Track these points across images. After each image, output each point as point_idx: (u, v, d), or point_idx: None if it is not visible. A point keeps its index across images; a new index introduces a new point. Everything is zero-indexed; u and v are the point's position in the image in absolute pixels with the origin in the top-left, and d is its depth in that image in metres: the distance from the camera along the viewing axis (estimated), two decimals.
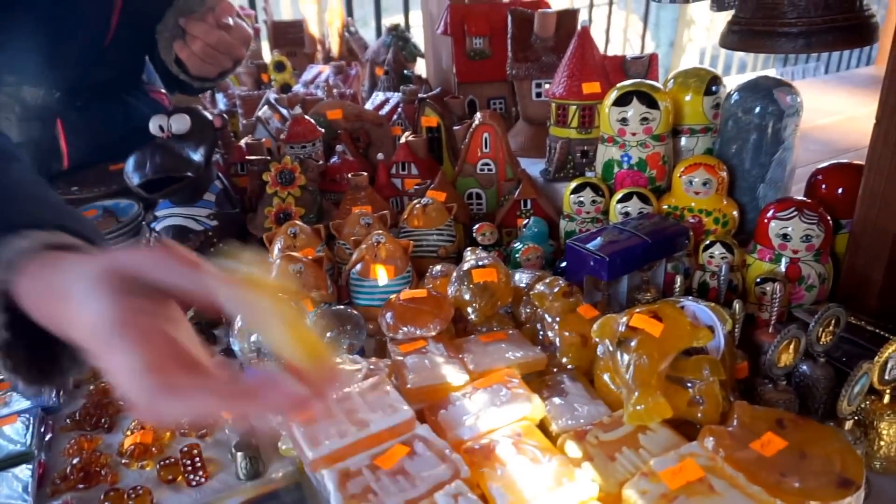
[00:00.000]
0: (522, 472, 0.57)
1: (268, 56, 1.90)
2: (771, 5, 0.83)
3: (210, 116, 1.05)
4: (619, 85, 0.97)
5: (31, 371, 0.45)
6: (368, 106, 1.41)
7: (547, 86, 1.22)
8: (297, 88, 1.65)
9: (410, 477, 0.56)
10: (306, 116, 1.18)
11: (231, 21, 1.02)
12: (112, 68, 1.16)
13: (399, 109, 1.33)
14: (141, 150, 0.99)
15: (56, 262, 0.40)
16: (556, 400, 0.68)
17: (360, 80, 1.66)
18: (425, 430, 0.61)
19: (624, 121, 0.95)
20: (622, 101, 0.95)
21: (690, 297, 0.70)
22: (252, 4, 2.25)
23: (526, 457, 0.59)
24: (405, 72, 1.56)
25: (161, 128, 1.02)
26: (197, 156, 1.01)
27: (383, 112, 1.36)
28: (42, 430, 0.73)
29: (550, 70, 1.21)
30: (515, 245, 0.96)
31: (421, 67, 1.67)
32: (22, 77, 1.10)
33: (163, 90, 1.33)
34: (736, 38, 0.87)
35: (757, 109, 0.89)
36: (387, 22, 2.75)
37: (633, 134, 0.95)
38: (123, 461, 0.69)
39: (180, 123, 1.01)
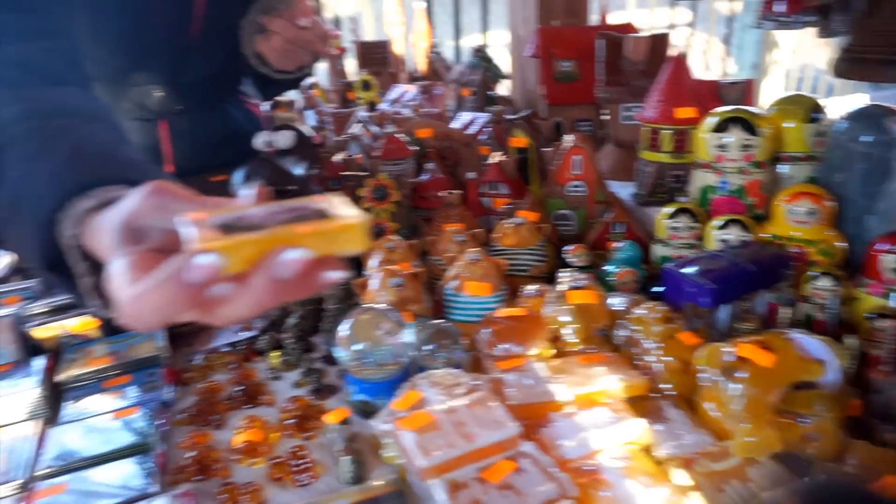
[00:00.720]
0: (631, 497, 0.57)
1: (354, 75, 1.97)
2: (887, 32, 0.81)
3: (311, 133, 1.10)
4: (718, 111, 0.96)
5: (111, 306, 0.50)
6: (455, 125, 1.45)
7: (636, 110, 1.22)
8: (382, 107, 1.71)
9: (518, 492, 0.57)
10: (399, 135, 1.22)
11: (308, 22, 1.08)
12: (203, 66, 1.21)
13: (486, 129, 1.36)
14: (249, 165, 1.05)
15: (100, 215, 0.46)
16: (658, 426, 0.68)
17: (444, 99, 1.70)
18: (531, 447, 0.62)
19: (723, 147, 0.94)
20: (721, 127, 0.94)
21: (799, 330, 0.69)
22: (338, 26, 2.34)
23: (634, 481, 0.59)
24: (489, 92, 1.58)
25: (267, 143, 1.07)
26: (299, 170, 1.06)
27: (469, 132, 1.39)
28: (161, 422, 0.78)
29: (641, 94, 1.20)
30: (608, 268, 0.96)
31: (503, 88, 1.69)
32: (119, 73, 1.17)
33: (255, 101, 1.41)
34: (848, 66, 0.85)
35: (865, 138, 0.87)
36: (463, 42, 2.80)
37: (733, 160, 0.94)
38: (234, 457, 0.73)
39: (286, 139, 1.06)
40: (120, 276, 0.40)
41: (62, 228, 0.48)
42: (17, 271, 1.05)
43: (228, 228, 0.37)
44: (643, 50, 1.24)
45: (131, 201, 0.43)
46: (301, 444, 0.73)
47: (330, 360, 0.89)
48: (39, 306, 0.91)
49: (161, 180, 0.44)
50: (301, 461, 0.71)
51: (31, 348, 0.89)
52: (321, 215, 0.38)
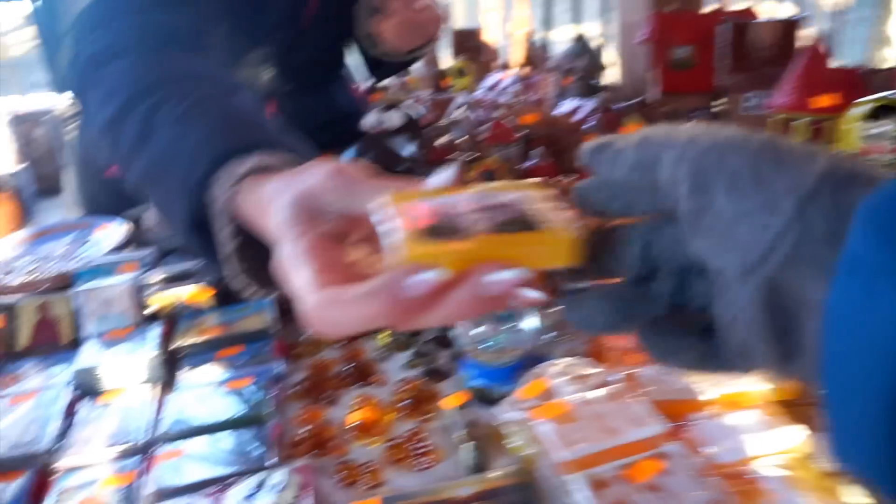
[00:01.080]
0: None
1: (447, 62, 1.95)
2: None
3: (420, 114, 1.08)
4: (869, 98, 0.88)
5: (260, 276, 0.48)
6: (558, 113, 1.40)
7: (762, 99, 1.14)
8: (478, 95, 1.68)
9: (669, 495, 0.53)
10: (505, 120, 1.18)
11: (424, 4, 1.06)
12: (313, 47, 1.21)
13: (592, 117, 1.31)
14: (359, 144, 1.04)
15: (262, 183, 0.43)
16: (818, 434, 0.61)
17: (543, 87, 1.65)
18: (678, 447, 0.57)
19: (874, 137, 0.86)
20: (873, 115, 0.86)
21: None
22: None
23: (799, 494, 0.53)
24: (592, 81, 1.53)
25: (377, 122, 1.06)
26: (408, 151, 1.04)
27: (575, 119, 1.34)
28: (273, 394, 0.77)
29: (767, 82, 1.13)
30: None
31: (606, 76, 1.63)
32: (234, 53, 1.17)
33: (358, 84, 1.40)
34: None
35: None
36: (553, 35, 2.75)
37: (885, 152, 0.86)
38: (350, 436, 0.71)
39: (395, 119, 1.04)
40: (300, 267, 0.36)
41: (213, 191, 0.46)
42: (132, 240, 1.08)
43: (434, 229, 0.33)
44: (772, 36, 1.15)
45: (312, 177, 0.39)
46: (419, 427, 0.71)
47: (440, 342, 0.86)
48: (156, 274, 0.92)
49: (344, 162, 0.41)
50: (420, 444, 0.68)
51: (148, 315, 0.90)
52: (528, 220, 0.34)
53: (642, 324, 0.30)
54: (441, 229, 0.32)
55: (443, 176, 0.37)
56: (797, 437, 0.59)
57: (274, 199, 0.40)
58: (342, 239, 0.39)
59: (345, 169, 0.39)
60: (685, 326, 0.30)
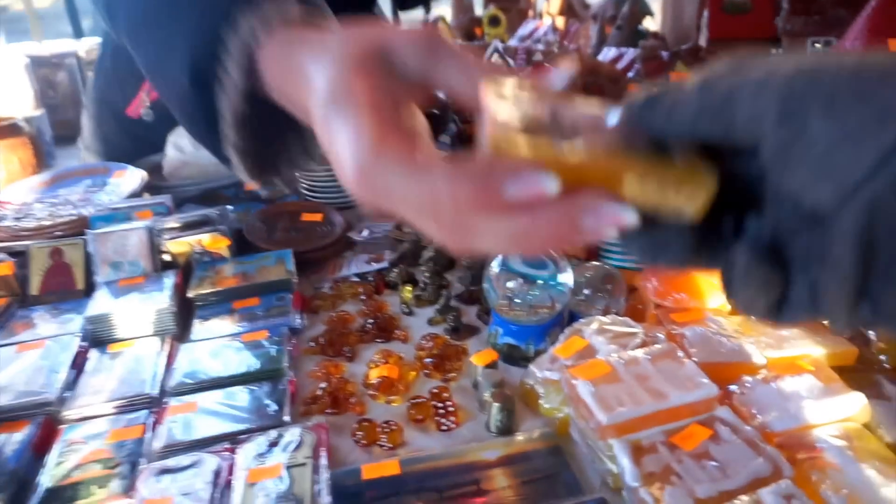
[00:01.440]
0: (864, 485, 0.46)
1: (479, 11, 1.86)
2: None
3: None
4: None
5: (255, 160, 0.42)
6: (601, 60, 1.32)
7: (825, 45, 1.04)
8: (512, 43, 1.59)
9: (720, 464, 0.47)
10: (545, 64, 1.11)
11: None
12: None
13: (635, 65, 1.22)
14: None
15: (301, 37, 0.37)
16: (877, 403, 0.55)
17: (580, 36, 1.56)
18: (728, 412, 0.52)
19: None
20: None
21: None
22: None
23: (864, 466, 0.47)
24: (636, 28, 1.43)
25: None
26: (441, 95, 0.98)
27: (617, 68, 1.25)
28: (289, 348, 0.73)
29: (835, 26, 1.03)
30: None
31: (649, 23, 1.53)
32: None
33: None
34: None
35: None
36: None
37: None
38: (370, 393, 0.67)
39: None
40: (356, 119, 0.29)
41: (230, 37, 0.39)
42: (149, 187, 1.04)
43: (533, 128, 0.26)
44: None
45: (396, 31, 0.33)
46: (443, 386, 0.66)
47: (468, 297, 0.81)
48: (171, 221, 0.89)
49: (433, 27, 0.35)
50: (444, 403, 0.64)
51: (162, 263, 0.87)
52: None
53: (715, 261, 0.27)
54: (551, 130, 0.26)
55: (557, 75, 0.30)
56: (855, 404, 0.53)
57: (334, 48, 0.33)
58: (400, 106, 0.32)
59: (439, 34, 0.33)
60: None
